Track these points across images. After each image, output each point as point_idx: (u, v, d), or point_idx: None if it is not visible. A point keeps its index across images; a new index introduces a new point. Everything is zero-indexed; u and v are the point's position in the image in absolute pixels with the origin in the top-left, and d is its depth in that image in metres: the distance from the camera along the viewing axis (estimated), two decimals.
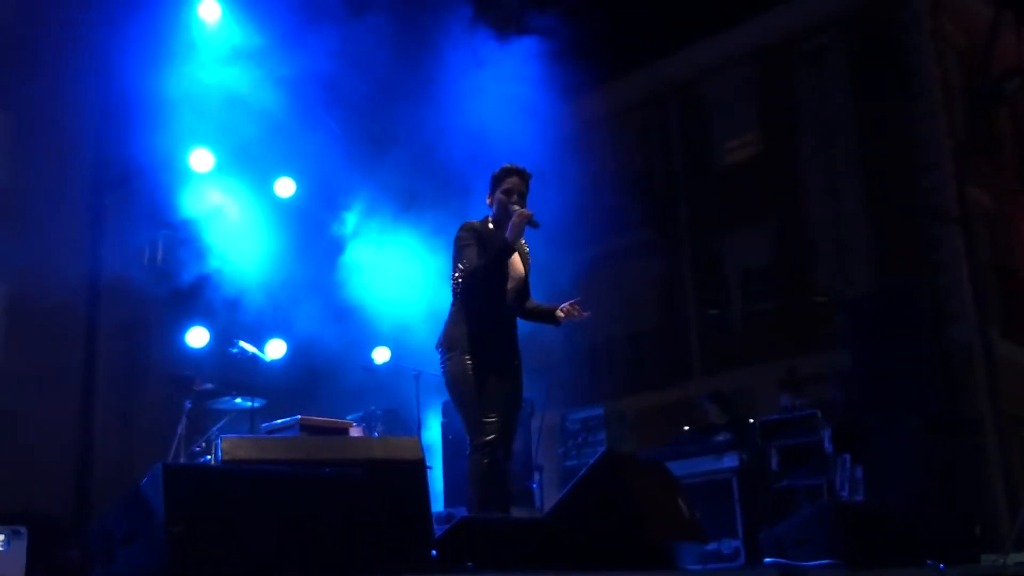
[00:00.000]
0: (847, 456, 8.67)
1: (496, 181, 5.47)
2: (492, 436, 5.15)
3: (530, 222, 5.23)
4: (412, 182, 11.46)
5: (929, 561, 5.40)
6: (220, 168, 10.60)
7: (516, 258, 5.42)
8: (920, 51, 15.87)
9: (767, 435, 9.09)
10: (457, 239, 5.39)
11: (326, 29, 10.15)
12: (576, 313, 5.36)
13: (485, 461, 5.14)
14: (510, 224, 5.21)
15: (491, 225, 5.46)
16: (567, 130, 15.10)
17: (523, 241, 5.57)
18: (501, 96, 10.18)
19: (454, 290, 5.41)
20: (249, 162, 10.83)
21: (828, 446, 8.75)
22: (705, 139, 18.07)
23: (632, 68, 17.96)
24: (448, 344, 5.34)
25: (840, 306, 11.06)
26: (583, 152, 16.93)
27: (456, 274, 5.37)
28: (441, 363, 5.43)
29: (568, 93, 12.30)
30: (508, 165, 5.48)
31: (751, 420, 9.52)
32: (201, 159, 10.47)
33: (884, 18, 16.17)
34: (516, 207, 5.31)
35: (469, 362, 5.23)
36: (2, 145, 9.88)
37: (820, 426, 8.86)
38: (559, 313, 5.40)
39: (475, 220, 5.47)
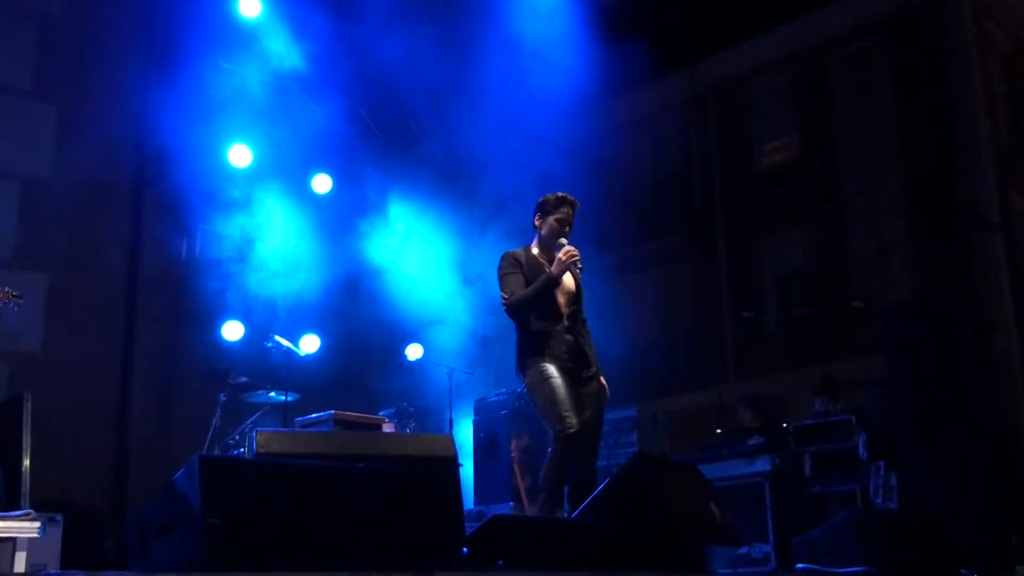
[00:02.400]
0: (882, 463, 8.58)
1: (548, 207, 5.56)
2: (574, 429, 5.15)
3: (576, 265, 5.34)
4: (450, 180, 11.50)
5: (964, 571, 5.34)
6: (258, 164, 10.69)
7: (568, 275, 5.48)
8: (963, 56, 15.67)
9: (801, 440, 9.01)
10: (499, 268, 5.50)
11: (365, 26, 10.20)
12: (604, 397, 5.52)
13: (562, 454, 5.17)
14: (557, 260, 5.35)
15: (535, 250, 5.59)
16: (605, 131, 15.10)
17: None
18: (541, 94, 10.18)
19: (509, 316, 5.51)
20: (287, 158, 10.92)
21: (863, 452, 8.66)
22: (743, 141, 17.95)
23: (672, 69, 17.88)
24: (521, 363, 5.43)
25: (879, 312, 10.95)
26: (621, 153, 16.91)
27: (503, 302, 5.46)
28: (522, 385, 5.53)
29: (607, 94, 12.29)
30: (561, 194, 5.56)
31: (784, 425, 9.45)
32: (240, 155, 10.57)
33: (926, 22, 15.99)
34: (564, 240, 5.42)
35: (542, 367, 5.29)
36: (45, 138, 9.99)
37: (855, 432, 8.77)
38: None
39: (516, 249, 5.58)
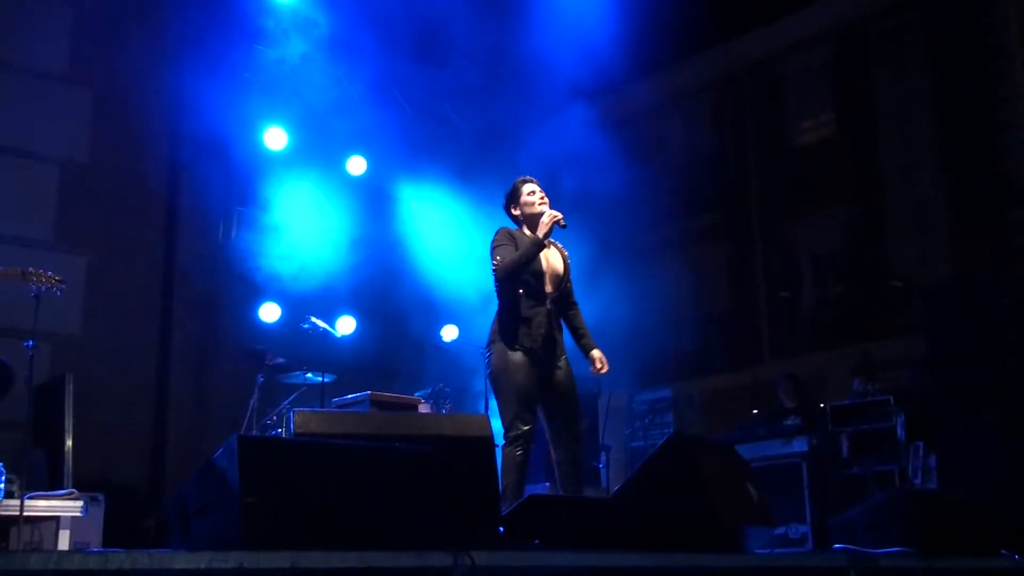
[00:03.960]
0: (920, 444, 8.51)
1: (516, 192, 5.80)
2: (526, 428, 5.30)
3: (559, 223, 5.53)
4: (483, 162, 11.49)
5: (1005, 551, 5.28)
6: (293, 146, 10.73)
7: (555, 256, 5.71)
8: (1003, 31, 15.40)
9: (838, 420, 8.96)
10: (493, 241, 5.66)
11: (398, 8, 10.20)
12: (600, 368, 5.65)
13: (518, 453, 5.28)
14: (540, 222, 5.54)
15: (526, 231, 5.73)
16: (639, 111, 15.01)
17: (561, 245, 5.84)
18: (574, 73, 10.14)
19: (497, 291, 5.65)
20: (322, 140, 10.95)
21: (901, 433, 8.60)
22: (779, 119, 17.76)
23: (707, 46, 17.72)
24: (491, 338, 5.57)
25: (918, 291, 10.83)
26: (655, 131, 16.80)
27: (493, 269, 5.60)
28: (485, 359, 5.66)
29: (641, 72, 12.22)
30: (519, 178, 5.82)
31: (822, 405, 9.39)
32: (275, 137, 10.61)
33: None
34: (544, 207, 5.65)
35: (508, 356, 5.42)
36: (82, 121, 10.06)
37: (893, 413, 8.71)
38: (595, 364, 5.67)
39: (511, 228, 5.73)
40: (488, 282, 5.73)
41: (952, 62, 15.60)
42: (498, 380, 5.45)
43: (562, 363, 5.57)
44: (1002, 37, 15.45)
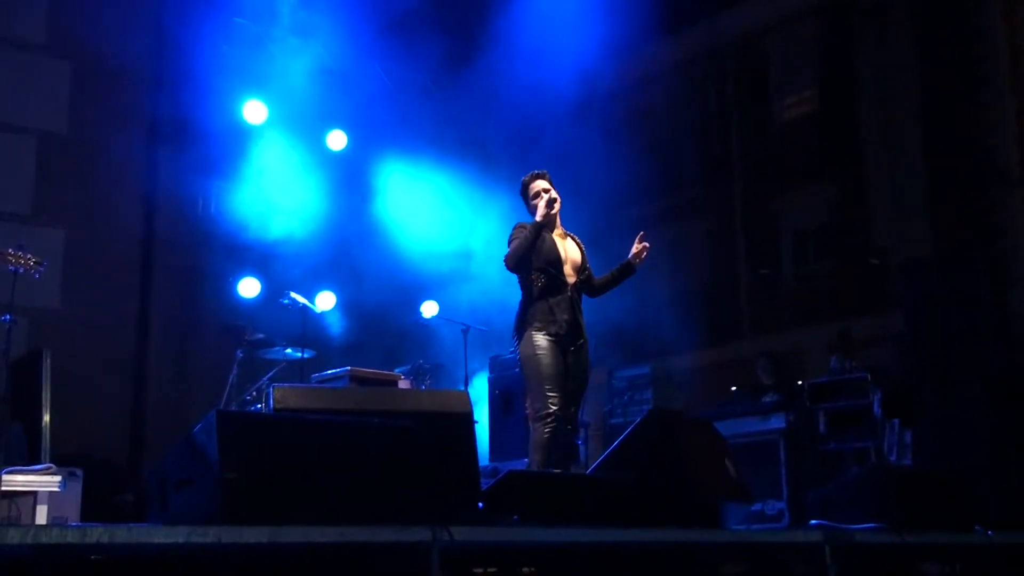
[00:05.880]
0: (896, 421, 8.58)
1: (524, 188, 6.03)
2: (555, 408, 5.45)
3: (554, 204, 5.80)
4: (466, 133, 11.45)
5: (978, 527, 5.34)
6: (273, 120, 10.66)
7: (572, 247, 5.92)
8: (987, 10, 15.43)
9: (815, 397, 9.02)
10: (511, 235, 5.89)
11: None
12: (644, 248, 5.91)
13: (547, 432, 5.43)
14: (539, 206, 5.79)
15: None
16: (622, 86, 14.97)
17: (577, 237, 6.05)
18: (557, 49, 10.10)
19: (520, 283, 5.84)
20: (302, 115, 10.88)
21: (877, 410, 8.66)
22: (762, 96, 17.77)
23: (691, 22, 17.67)
24: (517, 326, 5.78)
25: (896, 268, 10.89)
26: (638, 106, 16.77)
27: (504, 262, 5.83)
28: (513, 346, 5.85)
29: (624, 46, 12.17)
30: (528, 174, 6.03)
31: (800, 382, 9.45)
32: (255, 111, 10.53)
33: None
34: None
35: (536, 340, 5.59)
36: (61, 94, 9.96)
37: (870, 390, 8.77)
38: (633, 260, 5.93)
39: (526, 222, 5.93)
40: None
41: (935, 40, 15.62)
42: (526, 365, 5.63)
43: (581, 347, 5.73)
44: (985, 15, 15.47)
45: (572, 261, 5.85)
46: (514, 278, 5.88)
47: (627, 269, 5.98)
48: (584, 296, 5.93)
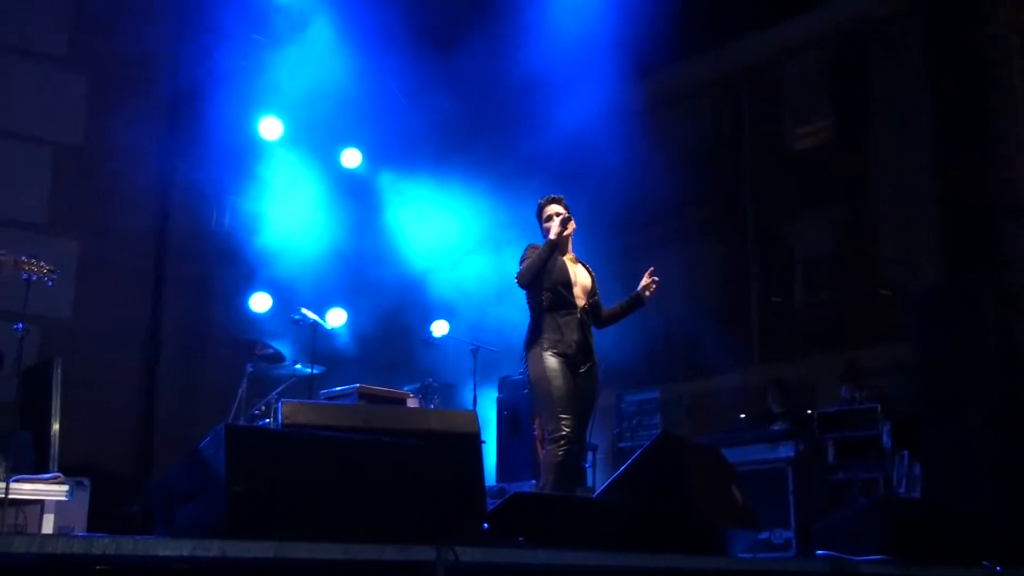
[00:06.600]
0: (906, 452, 8.54)
1: (539, 211, 6.06)
2: (568, 431, 5.46)
3: (566, 224, 5.83)
4: (480, 154, 11.47)
5: (985, 562, 5.31)
6: (288, 137, 10.72)
7: (583, 273, 5.94)
8: (1001, 41, 15.44)
9: (825, 427, 8.98)
10: (523, 255, 5.92)
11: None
12: (653, 281, 5.93)
13: (560, 454, 5.43)
14: (552, 229, 5.83)
15: None
16: (637, 108, 15.01)
17: (588, 265, 6.08)
18: (572, 72, 10.13)
19: (528, 304, 5.86)
20: (317, 132, 10.93)
21: (887, 441, 8.62)
22: (776, 124, 17.78)
23: (705, 49, 17.71)
24: (527, 344, 5.79)
25: (906, 299, 10.86)
26: (652, 131, 16.80)
27: (516, 280, 5.87)
28: (522, 366, 5.97)
29: (640, 71, 12.21)
30: (543, 198, 6.06)
31: (809, 411, 9.41)
32: (270, 127, 10.59)
33: (964, 7, 15.75)
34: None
35: (546, 360, 5.59)
36: (77, 106, 10.02)
37: (880, 420, 8.73)
38: (642, 293, 5.94)
39: (538, 244, 5.96)
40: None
41: (949, 71, 15.63)
42: (537, 386, 5.64)
43: (590, 369, 5.74)
44: (1000, 47, 15.48)
45: (582, 285, 5.87)
46: (525, 300, 5.88)
47: (636, 302, 6.00)
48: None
